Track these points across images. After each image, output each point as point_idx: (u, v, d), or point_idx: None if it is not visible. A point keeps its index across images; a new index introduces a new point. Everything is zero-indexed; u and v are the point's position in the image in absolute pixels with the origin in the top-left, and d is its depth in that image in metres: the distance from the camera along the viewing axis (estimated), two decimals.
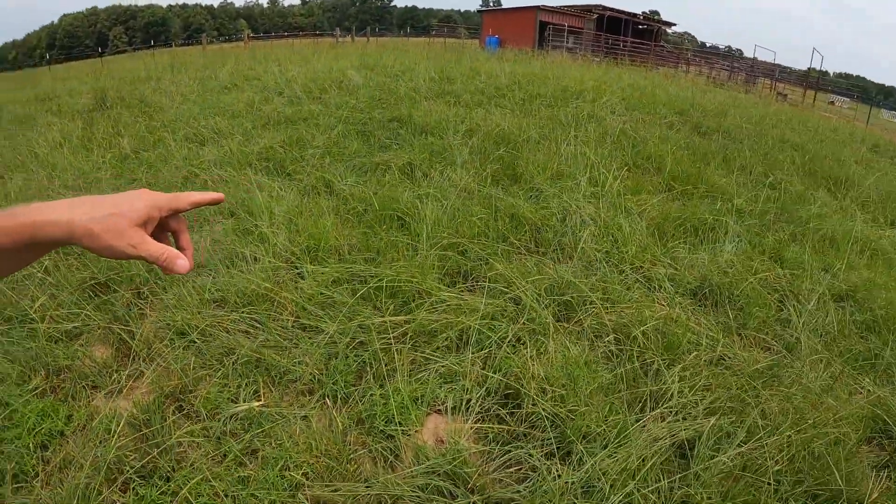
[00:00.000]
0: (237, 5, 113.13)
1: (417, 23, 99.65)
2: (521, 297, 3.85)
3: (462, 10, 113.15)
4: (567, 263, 4.54)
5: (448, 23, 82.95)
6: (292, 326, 3.63)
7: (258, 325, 3.61)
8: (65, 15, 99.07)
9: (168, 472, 2.79)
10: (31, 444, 3.03)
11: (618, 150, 7.41)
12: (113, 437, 2.94)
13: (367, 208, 5.18)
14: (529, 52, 23.54)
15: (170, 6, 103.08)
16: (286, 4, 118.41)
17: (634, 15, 45.08)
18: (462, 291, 4.03)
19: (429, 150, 6.79)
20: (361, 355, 3.40)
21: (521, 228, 4.98)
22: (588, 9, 42.56)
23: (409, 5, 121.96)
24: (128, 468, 2.79)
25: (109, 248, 0.76)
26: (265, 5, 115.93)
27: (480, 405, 3.12)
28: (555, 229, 4.98)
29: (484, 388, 3.18)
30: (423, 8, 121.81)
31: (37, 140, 8.01)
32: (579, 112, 9.19)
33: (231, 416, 3.04)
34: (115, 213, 0.76)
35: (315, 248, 4.44)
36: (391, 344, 3.41)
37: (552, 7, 40.47)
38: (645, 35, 45.29)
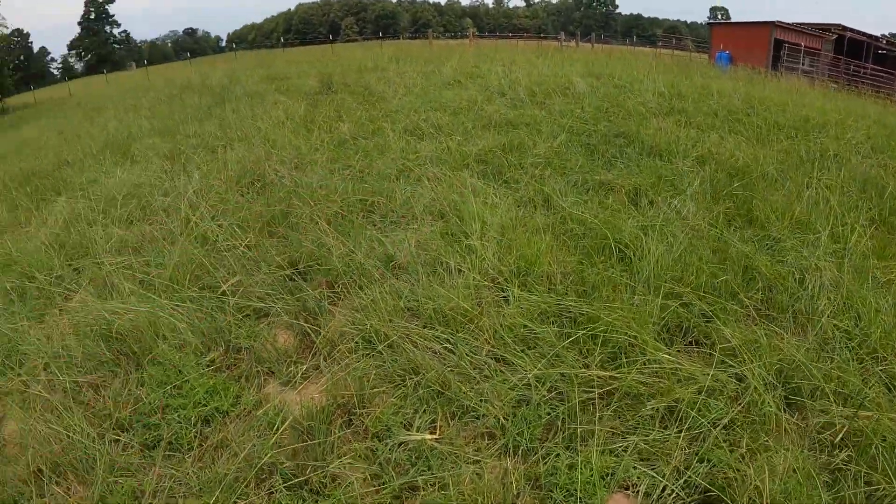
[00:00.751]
0: (463, 4, 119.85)
1: (642, 31, 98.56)
2: (745, 375, 3.41)
3: (688, 22, 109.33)
4: (800, 337, 3.96)
5: (673, 33, 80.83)
6: (486, 356, 3.53)
7: (449, 347, 3.54)
8: (300, 3, 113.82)
9: (319, 487, 2.79)
10: (193, 418, 3.23)
11: (864, 199, 6.48)
12: (274, 434, 3.04)
13: (585, 232, 5.00)
14: (762, 71, 21.91)
15: (399, 1, 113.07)
16: (511, 6, 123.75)
17: (876, 38, 40.33)
18: (679, 352, 3.67)
19: (656, 173, 6.45)
20: (556, 408, 3.19)
21: (752, 285, 4.48)
22: (826, 28, 38.99)
23: (634, 13, 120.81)
24: (279, 474, 2.85)
25: None
26: (490, 5, 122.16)
27: (675, 499, 2.77)
28: (791, 291, 4.42)
29: (683, 479, 2.83)
30: (649, 17, 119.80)
31: (262, 116, 8.97)
32: (822, 149, 8.26)
33: (400, 444, 2.98)
34: None
35: (525, 271, 4.34)
36: (592, 402, 3.17)
37: (789, 24, 37.69)
38: (886, 62, 40.29)
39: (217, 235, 4.88)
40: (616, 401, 3.22)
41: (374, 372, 3.38)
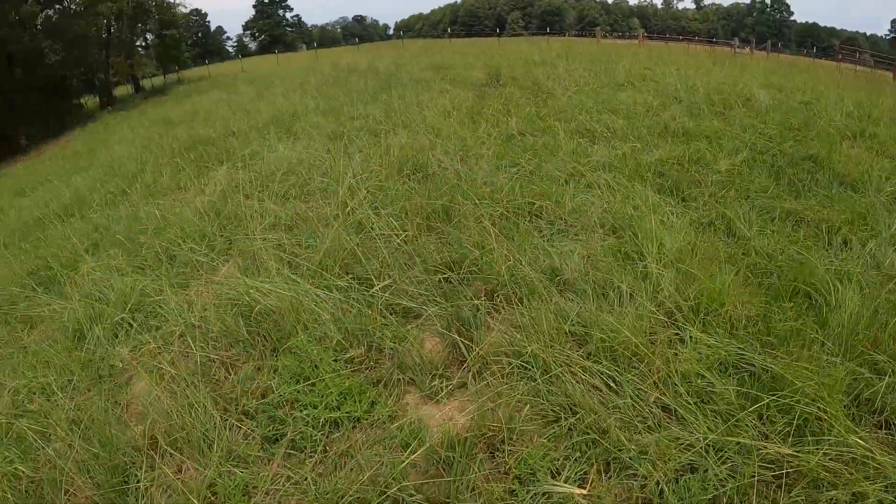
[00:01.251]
0: (630, 3, 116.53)
1: (818, 41, 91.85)
2: None
3: (868, 34, 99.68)
4: None
5: (852, 45, 74.43)
6: (653, 403, 3.10)
7: (614, 387, 3.17)
8: None
9: None
10: (322, 420, 3.08)
11: None
12: (406, 456, 2.81)
13: (772, 269, 4.43)
14: None
15: None
16: (679, 7, 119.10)
17: None
18: (871, 431, 3.06)
19: (851, 208, 5.67)
20: (726, 484, 2.71)
21: None
22: None
23: (810, 21, 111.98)
24: None
25: None
26: (658, 6, 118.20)
27: None
28: None
29: None
30: (826, 26, 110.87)
31: (427, 103, 8.92)
32: None
33: (544, 493, 2.67)
34: None
35: (705, 309, 3.84)
36: (766, 481, 2.73)
37: None
38: None
39: (373, 224, 4.73)
40: (795, 485, 2.71)
41: (527, 407, 3.07)
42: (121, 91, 41.99)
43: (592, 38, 42.22)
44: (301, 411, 3.14)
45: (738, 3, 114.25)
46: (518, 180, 5.70)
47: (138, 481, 2.92)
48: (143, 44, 45.22)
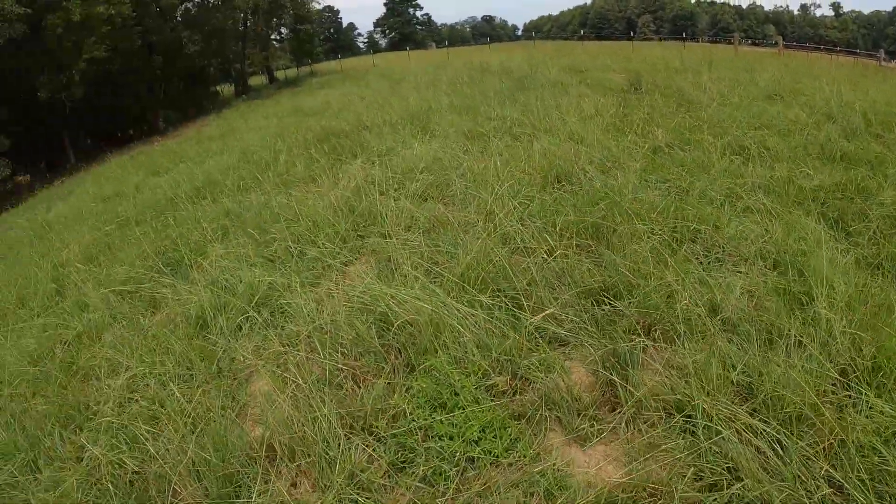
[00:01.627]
0: (766, 8, 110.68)
1: None
2: None
3: None
4: None
5: None
6: (821, 477, 2.58)
7: (779, 452, 2.69)
8: None
9: None
10: (457, 454, 2.78)
11: None
12: None
13: None
14: None
15: (698, 1, 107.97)
16: (817, 14, 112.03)
17: None
18: None
19: None
20: None
21: None
22: None
23: None
24: None
25: None
26: (795, 12, 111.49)
27: None
28: None
29: None
30: None
31: (567, 108, 8.49)
32: None
33: None
34: None
35: (882, 370, 3.22)
36: None
37: None
38: None
39: (522, 237, 4.36)
40: None
41: (689, 465, 2.67)
42: (255, 81, 44.11)
43: (727, 44, 40.28)
44: (435, 442, 2.84)
45: (878, 12, 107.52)
46: (670, 198, 5.20)
47: (251, 495, 2.77)
48: (278, 37, 47.32)
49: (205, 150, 14.67)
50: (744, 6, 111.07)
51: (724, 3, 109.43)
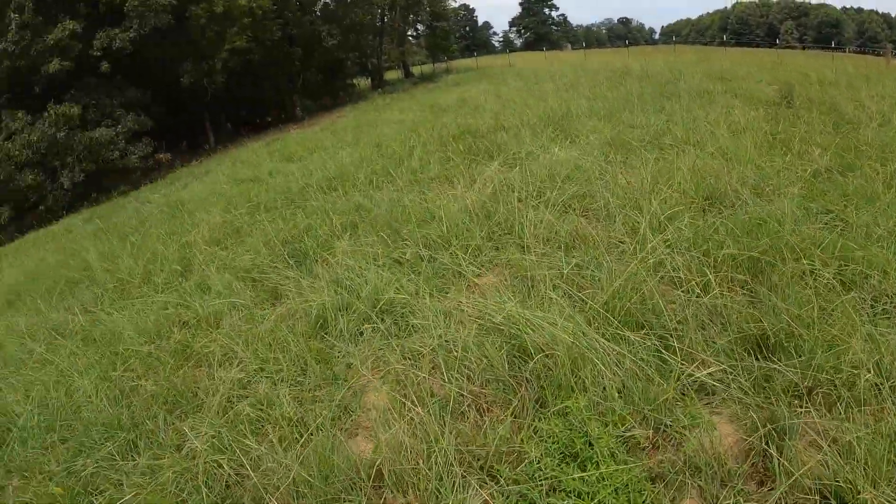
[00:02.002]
0: None
1: None
2: None
3: None
4: None
5: None
6: None
7: None
8: (738, 2, 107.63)
9: None
10: None
11: None
12: None
13: None
14: None
15: (844, 8, 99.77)
16: None
17: None
18: None
19: None
20: None
21: None
22: None
23: None
24: None
25: None
26: None
27: None
28: None
29: None
30: None
31: (714, 120, 7.83)
32: None
33: None
34: None
35: None
36: None
37: None
38: None
39: (674, 265, 3.87)
40: None
41: None
42: (391, 75, 44.93)
43: (875, 55, 36.49)
44: (562, 499, 2.48)
45: None
46: (832, 233, 4.38)
47: None
48: (414, 33, 47.93)
49: (339, 140, 14.82)
50: (893, 14, 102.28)
51: (871, 11, 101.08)
